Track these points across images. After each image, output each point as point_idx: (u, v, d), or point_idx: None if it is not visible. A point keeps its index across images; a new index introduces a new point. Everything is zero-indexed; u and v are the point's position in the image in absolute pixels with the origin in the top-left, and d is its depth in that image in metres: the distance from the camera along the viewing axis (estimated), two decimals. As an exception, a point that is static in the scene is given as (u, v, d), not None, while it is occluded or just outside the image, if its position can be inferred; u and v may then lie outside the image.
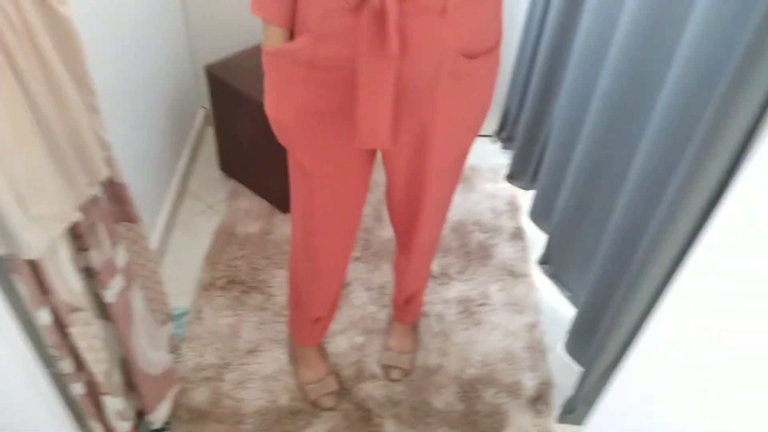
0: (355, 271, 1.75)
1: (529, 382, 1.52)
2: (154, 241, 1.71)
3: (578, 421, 1.41)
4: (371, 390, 1.49)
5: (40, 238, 0.86)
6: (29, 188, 0.82)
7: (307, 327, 1.43)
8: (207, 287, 1.69)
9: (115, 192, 1.08)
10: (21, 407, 0.95)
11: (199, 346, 1.55)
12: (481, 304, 1.69)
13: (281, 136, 1.05)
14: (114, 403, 1.17)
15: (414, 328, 1.60)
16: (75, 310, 0.99)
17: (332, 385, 1.47)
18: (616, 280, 1.28)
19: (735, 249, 0.60)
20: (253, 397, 1.46)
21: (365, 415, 1.44)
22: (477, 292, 1.72)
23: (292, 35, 0.96)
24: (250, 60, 1.85)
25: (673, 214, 0.95)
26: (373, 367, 1.54)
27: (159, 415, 1.33)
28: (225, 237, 1.83)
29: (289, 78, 0.97)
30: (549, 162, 1.73)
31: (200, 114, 2.23)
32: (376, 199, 1.94)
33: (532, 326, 1.64)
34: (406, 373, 1.52)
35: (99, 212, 1.02)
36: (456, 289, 1.72)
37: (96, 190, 1.00)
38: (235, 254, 1.77)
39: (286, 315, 1.62)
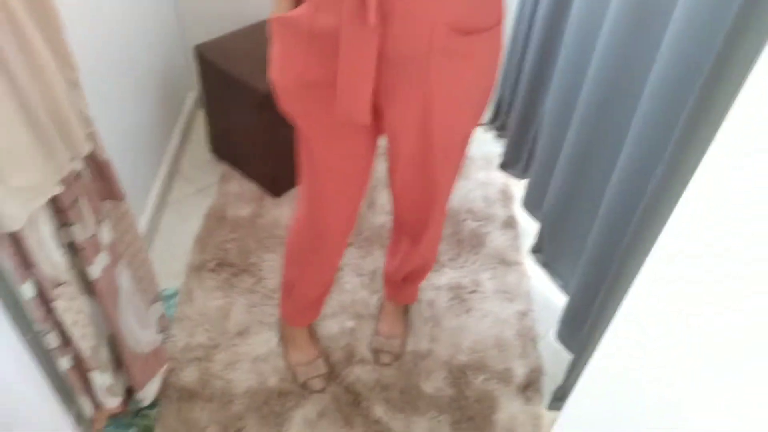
0: (347, 256, 1.74)
1: (520, 370, 1.52)
2: (144, 221, 1.70)
3: (568, 408, 1.41)
4: (361, 373, 1.49)
5: (21, 210, 0.85)
6: (7, 160, 0.82)
7: (300, 307, 1.43)
8: (197, 269, 1.68)
9: (99, 168, 1.08)
10: (5, 382, 0.94)
11: (189, 327, 1.55)
12: (473, 291, 1.68)
13: (283, 102, 1.06)
14: (102, 379, 1.16)
15: (405, 313, 1.60)
16: (59, 284, 0.99)
17: (322, 367, 1.47)
18: (605, 269, 1.28)
19: (699, 235, 0.60)
20: (242, 378, 1.45)
21: (354, 398, 1.44)
22: (468, 279, 1.71)
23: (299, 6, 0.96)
24: (242, 41, 1.82)
25: (656, 202, 0.95)
26: (364, 351, 1.53)
27: (148, 393, 1.33)
28: (215, 220, 1.82)
29: (291, 45, 0.98)
30: (541, 151, 1.72)
31: (191, 95, 2.21)
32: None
33: (524, 314, 1.64)
34: (396, 357, 1.52)
35: (82, 188, 1.01)
36: (447, 276, 1.72)
37: (78, 165, 0.99)
38: (225, 237, 1.77)
39: (276, 298, 1.61)
